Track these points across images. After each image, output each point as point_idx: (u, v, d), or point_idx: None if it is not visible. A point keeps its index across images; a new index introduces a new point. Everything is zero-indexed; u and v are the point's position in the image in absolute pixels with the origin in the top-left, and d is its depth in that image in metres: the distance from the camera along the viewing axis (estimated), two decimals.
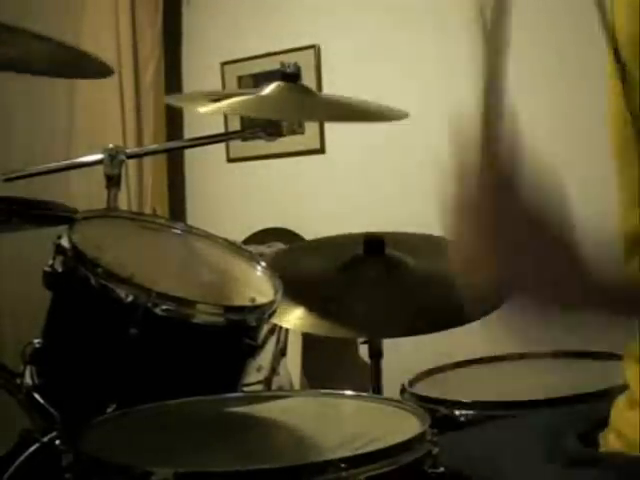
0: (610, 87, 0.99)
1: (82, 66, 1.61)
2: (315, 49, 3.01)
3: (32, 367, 1.41)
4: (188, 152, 3.39)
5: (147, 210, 3.17)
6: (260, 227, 3.04)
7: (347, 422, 1.24)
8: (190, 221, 3.22)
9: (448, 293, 1.73)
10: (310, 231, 2.82)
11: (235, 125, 3.04)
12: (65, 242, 1.37)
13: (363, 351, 1.92)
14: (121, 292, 1.31)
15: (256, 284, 1.51)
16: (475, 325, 1.66)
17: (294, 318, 1.68)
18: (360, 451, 0.99)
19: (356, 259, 1.78)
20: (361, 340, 1.90)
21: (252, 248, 2.06)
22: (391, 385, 1.63)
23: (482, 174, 0.85)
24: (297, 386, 2.57)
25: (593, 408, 1.12)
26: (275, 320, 1.59)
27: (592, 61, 2.43)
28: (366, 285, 1.76)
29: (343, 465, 0.94)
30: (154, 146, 3.29)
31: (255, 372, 2.31)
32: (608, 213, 0.98)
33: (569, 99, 2.53)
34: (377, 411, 1.20)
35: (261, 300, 1.43)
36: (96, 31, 3.23)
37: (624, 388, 1.01)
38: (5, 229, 1.65)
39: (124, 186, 1.82)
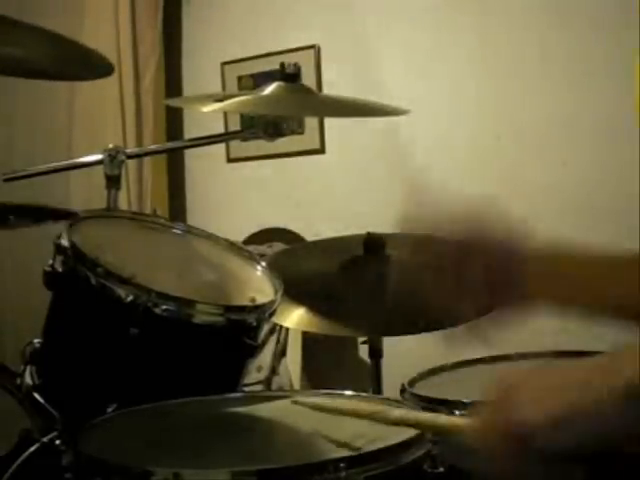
0: None
1: (84, 63, 1.61)
2: (315, 49, 3.02)
3: (32, 367, 1.41)
4: (188, 152, 3.39)
5: (147, 210, 3.17)
6: (260, 227, 3.04)
7: (347, 422, 1.24)
8: (190, 221, 3.22)
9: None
10: (310, 231, 2.82)
11: (235, 125, 3.04)
12: (65, 242, 1.37)
13: (363, 351, 1.92)
14: (121, 292, 1.31)
15: (256, 284, 1.51)
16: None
17: (294, 318, 1.68)
18: (360, 451, 0.99)
19: (356, 259, 1.78)
20: (361, 340, 1.90)
21: (252, 248, 2.06)
22: (391, 385, 1.63)
23: None
24: (297, 386, 2.57)
25: None
26: (275, 320, 1.59)
27: (598, 61, 2.44)
28: (366, 285, 1.76)
29: (343, 465, 0.94)
30: (154, 146, 3.29)
31: (255, 372, 2.31)
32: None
33: (572, 99, 2.53)
34: None
35: (261, 300, 1.43)
36: (96, 31, 3.23)
37: None
38: (3, 226, 1.65)
39: (124, 186, 1.82)
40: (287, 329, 2.43)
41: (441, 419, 0.95)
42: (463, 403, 1.39)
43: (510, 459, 0.77)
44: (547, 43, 2.55)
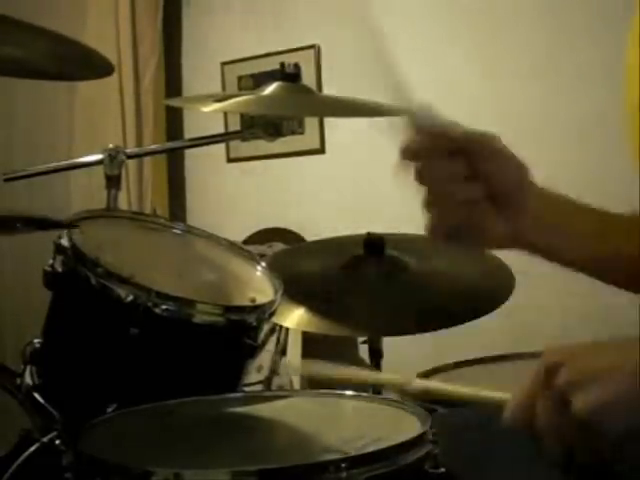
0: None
1: (84, 63, 1.61)
2: (315, 49, 3.02)
3: (32, 367, 1.41)
4: (188, 152, 3.40)
5: (147, 210, 3.17)
6: (260, 227, 3.04)
7: (347, 422, 1.24)
8: (190, 221, 3.22)
9: (448, 293, 1.74)
10: (310, 231, 2.82)
11: (235, 125, 3.04)
12: (65, 242, 1.37)
13: (363, 351, 1.92)
14: (121, 292, 1.31)
15: (256, 284, 1.51)
16: (475, 325, 1.66)
17: (294, 318, 1.68)
18: (360, 451, 0.99)
19: (356, 259, 1.78)
20: (361, 340, 1.90)
21: (252, 248, 2.06)
22: None
23: None
24: (297, 386, 2.57)
25: None
26: (275, 320, 1.59)
27: (600, 61, 2.44)
28: (366, 285, 1.76)
29: (343, 465, 0.94)
30: (154, 146, 3.29)
31: (255, 372, 2.31)
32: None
33: (574, 100, 2.53)
34: (377, 411, 1.20)
35: (261, 300, 1.43)
36: (96, 31, 3.23)
37: None
38: (9, 232, 1.65)
39: (124, 186, 1.82)
40: (287, 329, 2.42)
41: (482, 393, 0.95)
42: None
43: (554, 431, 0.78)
44: (549, 44, 2.55)
